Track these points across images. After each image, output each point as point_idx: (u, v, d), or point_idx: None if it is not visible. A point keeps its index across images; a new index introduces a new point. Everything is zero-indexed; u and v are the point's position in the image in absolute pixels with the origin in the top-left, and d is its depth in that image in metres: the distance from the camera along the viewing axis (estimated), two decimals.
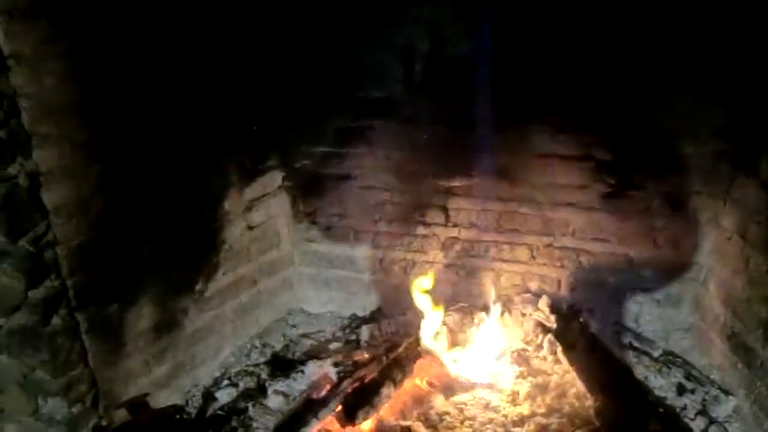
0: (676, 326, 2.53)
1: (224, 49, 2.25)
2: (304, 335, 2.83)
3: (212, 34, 2.18)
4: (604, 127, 2.25)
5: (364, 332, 2.71)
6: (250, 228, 2.59)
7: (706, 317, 2.42)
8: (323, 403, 2.25)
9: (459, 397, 2.29)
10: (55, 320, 1.89)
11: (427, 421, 2.19)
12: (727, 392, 2.26)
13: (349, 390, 2.23)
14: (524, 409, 2.19)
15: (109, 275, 2.02)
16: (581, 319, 2.38)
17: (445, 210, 2.60)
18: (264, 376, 2.52)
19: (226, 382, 2.50)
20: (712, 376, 2.35)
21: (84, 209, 1.90)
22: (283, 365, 2.59)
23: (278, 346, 2.74)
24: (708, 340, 2.41)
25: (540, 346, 2.38)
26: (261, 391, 2.42)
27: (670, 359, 2.44)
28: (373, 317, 2.84)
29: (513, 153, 2.38)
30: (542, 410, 2.17)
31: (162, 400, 2.33)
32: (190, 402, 2.40)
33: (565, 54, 2.16)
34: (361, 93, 2.43)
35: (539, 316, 2.47)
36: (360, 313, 2.90)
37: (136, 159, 2.03)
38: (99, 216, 1.94)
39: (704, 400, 2.25)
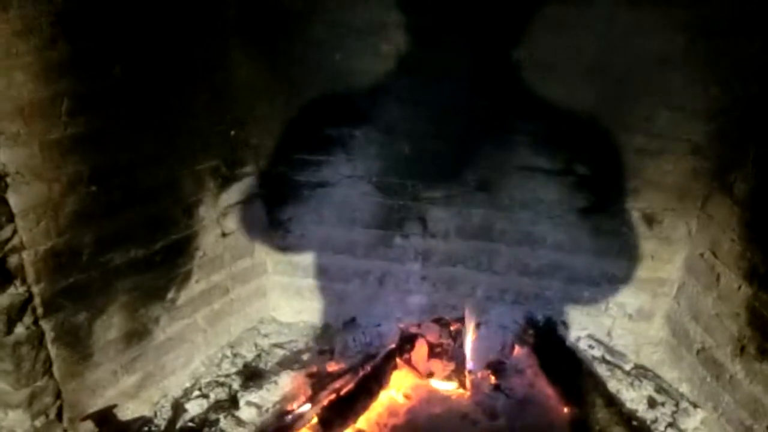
0: (647, 340, 2.58)
1: (198, 44, 2.19)
2: (276, 345, 2.76)
3: (185, 31, 2.13)
4: (585, 142, 2.28)
5: (338, 342, 2.67)
6: (225, 235, 2.53)
7: (676, 332, 2.47)
8: (298, 415, 2.21)
9: (435, 410, 2.27)
10: (19, 329, 1.81)
11: None
12: (695, 405, 2.31)
13: (325, 402, 2.20)
14: (501, 421, 2.19)
15: (78, 282, 1.94)
16: (558, 333, 2.40)
17: (423, 220, 2.58)
18: (236, 386, 2.45)
19: (196, 392, 2.43)
20: (681, 390, 2.40)
21: (53, 212, 1.82)
22: (255, 375, 2.53)
23: (250, 356, 2.68)
24: (678, 354, 2.46)
25: (517, 359, 2.38)
26: (233, 402, 2.36)
27: (641, 372, 2.48)
28: (347, 327, 2.80)
29: (494, 165, 2.39)
30: (519, 423, 2.18)
31: (130, 411, 2.25)
32: (158, 413, 2.32)
33: (549, 68, 2.17)
34: (343, 100, 2.40)
35: (516, 329, 2.48)
36: (333, 323, 2.86)
37: (109, 160, 1.96)
38: (69, 220, 1.87)
39: (674, 412, 2.30)
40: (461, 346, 2.45)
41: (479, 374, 2.39)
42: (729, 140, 2.11)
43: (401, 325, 2.56)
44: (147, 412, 2.31)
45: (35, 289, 1.82)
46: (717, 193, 2.20)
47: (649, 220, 2.35)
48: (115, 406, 2.20)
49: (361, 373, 2.32)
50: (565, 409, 2.21)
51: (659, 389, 2.39)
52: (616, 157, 2.27)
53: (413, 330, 2.51)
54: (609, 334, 2.60)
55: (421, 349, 2.44)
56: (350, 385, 2.26)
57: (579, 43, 2.11)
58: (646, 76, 2.10)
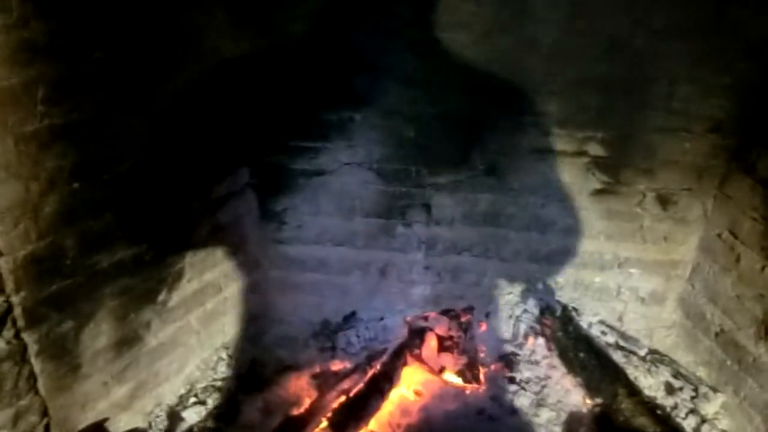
0: (660, 324, 2.51)
1: (185, 25, 2.01)
2: (275, 344, 2.62)
3: (170, 10, 1.94)
4: (599, 122, 2.17)
5: (341, 339, 2.54)
6: (217, 230, 2.36)
7: (691, 315, 2.40)
8: (306, 419, 2.08)
9: (449, 406, 2.17)
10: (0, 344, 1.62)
11: None
12: (714, 389, 2.24)
13: (335, 404, 2.07)
14: (520, 416, 2.09)
15: (62, 289, 1.76)
16: (573, 321, 2.30)
17: (427, 207, 2.45)
18: (234, 391, 2.31)
19: (192, 399, 2.27)
20: (698, 374, 2.33)
21: (32, 214, 1.64)
22: (254, 378, 2.38)
23: (247, 357, 2.53)
24: (693, 338, 2.39)
25: (531, 350, 2.29)
26: (232, 408, 2.22)
27: (656, 358, 2.40)
28: (348, 322, 2.67)
29: (503, 148, 2.27)
30: (539, 417, 2.08)
31: (123, 423, 2.09)
32: (153, 424, 2.17)
33: (563, 44, 2.05)
34: (342, 80, 2.24)
35: (528, 318, 2.38)
36: (333, 319, 2.71)
37: (92, 154, 1.77)
38: (50, 221, 1.68)
39: (693, 397, 2.23)
40: (472, 338, 2.35)
41: (492, 367, 2.29)
42: (752, 117, 2.02)
43: (408, 319, 2.44)
44: (141, 423, 2.16)
45: (15, 299, 1.64)
46: (736, 171, 2.11)
47: (664, 201, 2.27)
48: (107, 419, 2.03)
49: (370, 372, 2.19)
50: (587, 401, 2.13)
51: (676, 374, 2.32)
52: (632, 136, 2.17)
53: (421, 323, 2.39)
54: (620, 318, 2.52)
55: (430, 343, 2.33)
56: (360, 385, 2.13)
57: (595, 16, 1.99)
58: (666, 51, 1.99)
